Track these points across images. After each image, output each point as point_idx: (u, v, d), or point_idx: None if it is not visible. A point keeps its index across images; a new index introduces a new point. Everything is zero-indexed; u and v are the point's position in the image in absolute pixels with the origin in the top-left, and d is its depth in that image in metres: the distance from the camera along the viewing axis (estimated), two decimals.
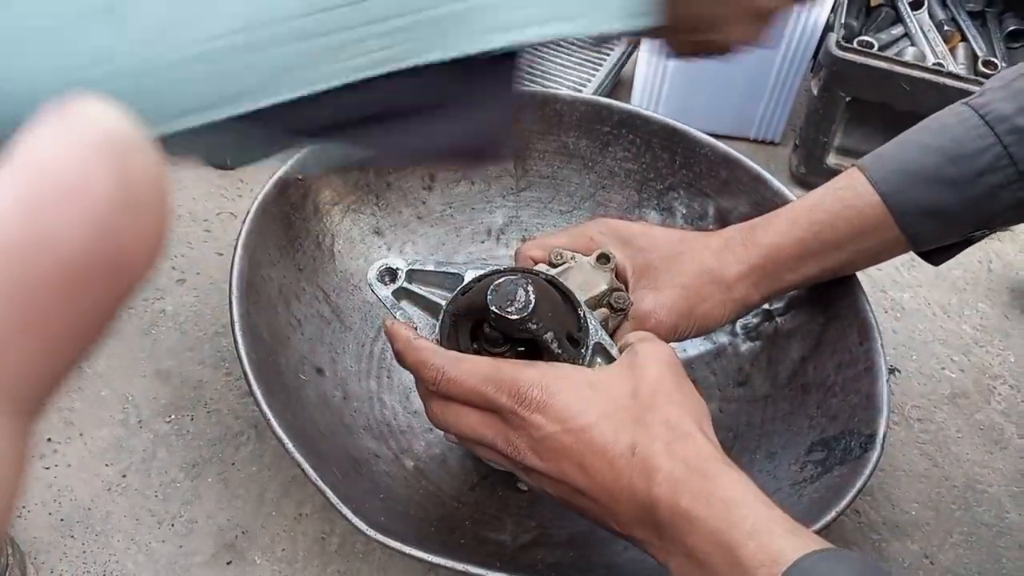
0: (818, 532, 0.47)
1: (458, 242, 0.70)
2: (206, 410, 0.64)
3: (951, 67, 0.79)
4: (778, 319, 0.64)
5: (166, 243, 0.16)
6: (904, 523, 0.61)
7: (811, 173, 0.81)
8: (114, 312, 0.15)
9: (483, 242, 0.70)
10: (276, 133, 0.30)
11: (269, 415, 0.48)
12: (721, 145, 0.66)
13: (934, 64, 0.77)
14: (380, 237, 0.67)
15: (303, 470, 0.47)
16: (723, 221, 0.67)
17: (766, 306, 0.64)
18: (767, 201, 0.64)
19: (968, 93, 0.73)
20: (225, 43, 0.27)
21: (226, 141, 0.29)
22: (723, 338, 0.66)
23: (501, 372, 0.45)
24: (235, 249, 0.56)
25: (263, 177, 0.79)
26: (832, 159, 0.81)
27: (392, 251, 0.67)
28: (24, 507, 0.58)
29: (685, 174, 0.68)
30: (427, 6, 0.28)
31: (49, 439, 0.62)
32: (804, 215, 0.55)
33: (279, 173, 0.60)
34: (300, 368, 0.58)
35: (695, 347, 0.66)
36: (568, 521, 0.57)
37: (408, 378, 0.62)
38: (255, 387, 0.49)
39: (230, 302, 0.53)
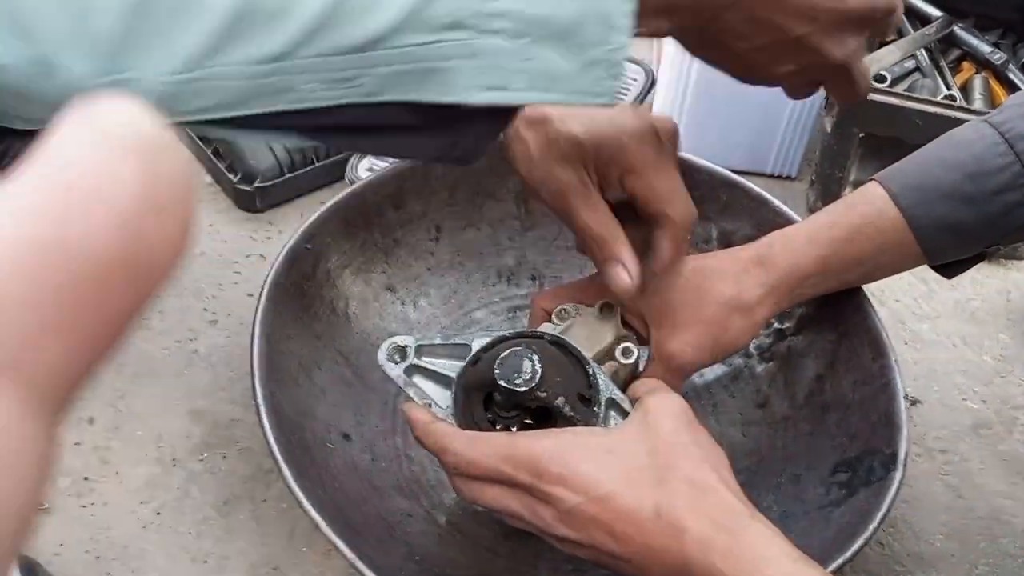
0: (847, 560, 0.48)
1: (470, 288, 0.71)
2: (237, 448, 0.65)
3: (962, 101, 0.80)
4: (790, 338, 0.65)
5: (192, 244, 0.16)
6: (929, 555, 0.61)
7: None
8: (138, 313, 0.15)
9: (495, 285, 0.71)
10: (288, 131, 0.38)
11: (301, 497, 0.49)
12: (719, 169, 0.68)
13: (944, 98, 0.78)
14: (393, 293, 0.68)
15: (338, 549, 0.48)
16: (727, 243, 0.68)
17: (777, 325, 0.65)
18: (769, 221, 0.65)
19: None
20: (260, 68, 0.35)
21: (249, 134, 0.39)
22: (738, 360, 0.67)
23: (517, 449, 0.45)
24: (252, 330, 0.56)
25: (292, 219, 0.82)
26: (848, 193, 0.82)
27: (407, 305, 0.68)
28: (61, 544, 0.60)
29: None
30: (417, 58, 0.35)
31: (86, 478, 0.63)
32: (824, 232, 0.55)
33: (289, 244, 0.61)
34: (327, 437, 0.58)
35: (712, 371, 0.67)
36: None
37: None
38: (285, 470, 0.50)
39: (253, 387, 0.54)
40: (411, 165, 0.67)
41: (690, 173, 0.68)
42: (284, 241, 0.74)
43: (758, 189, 0.66)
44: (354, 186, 0.65)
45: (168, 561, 0.59)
